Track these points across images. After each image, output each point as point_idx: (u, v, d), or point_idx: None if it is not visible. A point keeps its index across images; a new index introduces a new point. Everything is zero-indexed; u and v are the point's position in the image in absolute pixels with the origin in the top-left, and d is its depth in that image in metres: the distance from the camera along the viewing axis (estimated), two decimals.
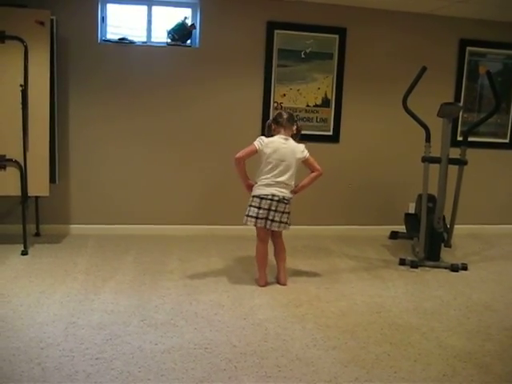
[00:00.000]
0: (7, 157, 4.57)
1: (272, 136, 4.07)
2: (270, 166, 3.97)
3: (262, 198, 3.94)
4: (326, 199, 5.83)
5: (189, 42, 5.45)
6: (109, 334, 3.16)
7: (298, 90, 5.58)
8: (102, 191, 5.39)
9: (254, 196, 4.00)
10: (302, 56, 5.55)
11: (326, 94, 5.64)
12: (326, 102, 5.66)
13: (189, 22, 5.43)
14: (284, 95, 5.56)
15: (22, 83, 4.53)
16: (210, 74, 5.43)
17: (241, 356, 2.94)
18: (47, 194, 4.76)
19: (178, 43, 5.37)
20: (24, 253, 4.64)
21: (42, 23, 4.59)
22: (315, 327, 3.37)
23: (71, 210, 5.38)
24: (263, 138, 4.05)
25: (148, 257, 4.74)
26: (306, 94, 5.60)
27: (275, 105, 5.55)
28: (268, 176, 3.97)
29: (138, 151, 5.43)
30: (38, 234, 5.25)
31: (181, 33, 5.37)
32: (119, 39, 5.30)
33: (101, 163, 5.37)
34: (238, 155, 3.99)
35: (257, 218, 3.95)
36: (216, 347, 3.04)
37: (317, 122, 5.67)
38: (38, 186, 4.66)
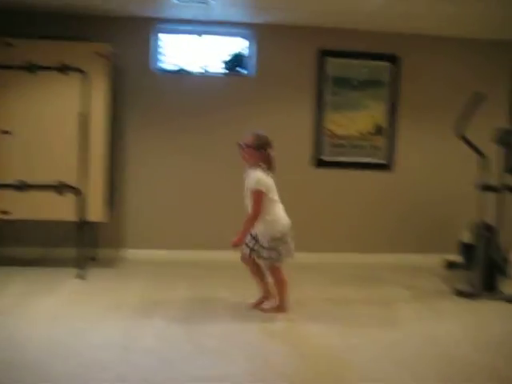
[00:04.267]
0: (66, 183, 4.73)
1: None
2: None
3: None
4: (376, 226, 5.75)
5: (244, 71, 5.54)
6: (161, 358, 3.19)
7: (351, 118, 5.57)
8: (156, 217, 5.50)
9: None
10: (355, 84, 5.55)
11: (378, 122, 5.61)
12: (378, 130, 5.62)
13: (244, 51, 5.53)
14: (336, 123, 5.56)
15: (82, 112, 4.71)
16: (265, 102, 5.51)
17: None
18: (104, 220, 4.89)
19: (234, 73, 5.47)
20: (80, 276, 4.76)
21: (102, 55, 4.77)
22: (367, 358, 3.30)
23: (127, 235, 5.50)
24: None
25: (201, 283, 4.77)
26: (359, 122, 5.59)
27: (328, 133, 5.56)
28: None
29: (192, 178, 5.52)
30: (93, 259, 5.38)
31: (236, 62, 5.48)
32: (176, 70, 5.44)
33: (156, 190, 5.49)
34: (259, 210, 3.82)
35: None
36: (267, 377, 3.01)
37: (369, 149, 5.63)
38: (95, 211, 4.80)
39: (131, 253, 5.48)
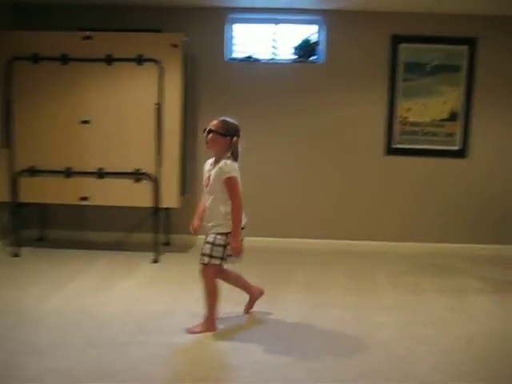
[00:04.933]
0: (142, 170, 4.90)
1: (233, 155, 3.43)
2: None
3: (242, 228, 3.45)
4: (451, 215, 5.61)
5: (313, 58, 5.53)
6: (234, 343, 3.28)
7: (424, 104, 5.45)
8: None
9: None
10: (428, 69, 5.41)
11: (453, 108, 5.46)
12: (452, 116, 5.47)
13: (314, 38, 5.51)
14: (409, 110, 5.45)
15: (157, 102, 4.85)
16: (334, 89, 5.48)
17: (360, 375, 2.92)
18: (177, 206, 5.03)
19: (303, 60, 5.47)
20: (155, 260, 4.94)
21: (175, 46, 4.88)
22: (441, 351, 3.26)
23: None
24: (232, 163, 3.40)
25: (274, 269, 4.85)
26: (432, 108, 5.46)
27: (400, 119, 5.47)
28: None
29: (261, 165, 5.58)
30: (167, 244, 5.56)
31: (306, 49, 5.47)
32: (246, 57, 5.50)
33: None
34: (240, 198, 3.37)
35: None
36: (339, 365, 3.04)
37: (443, 136, 5.49)
38: (170, 198, 4.95)
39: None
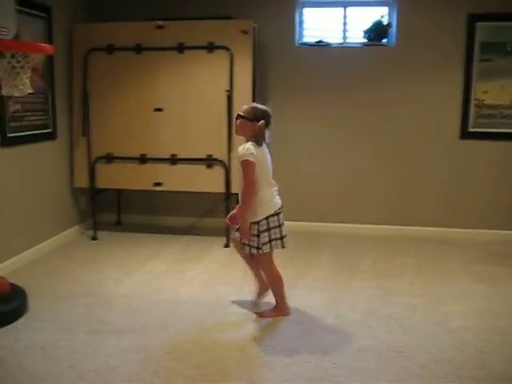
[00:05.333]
0: (213, 156, 4.98)
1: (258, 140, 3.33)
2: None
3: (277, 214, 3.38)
4: None
5: (385, 40, 5.41)
6: (304, 328, 3.31)
7: (502, 86, 5.21)
8: (295, 188, 5.59)
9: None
10: (508, 48, 5.17)
11: None
12: None
13: (385, 20, 5.39)
14: (486, 92, 5.24)
15: (228, 88, 4.90)
16: (406, 72, 5.33)
17: (435, 363, 2.88)
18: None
19: (374, 43, 5.36)
20: (226, 245, 5.03)
21: (245, 32, 4.91)
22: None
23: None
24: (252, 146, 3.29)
25: (341, 255, 4.82)
26: (511, 90, 5.21)
27: (476, 102, 5.26)
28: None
29: (332, 150, 5.54)
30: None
31: (377, 32, 5.35)
32: (316, 42, 5.45)
33: (295, 161, 5.59)
34: (251, 181, 3.26)
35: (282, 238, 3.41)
36: (409, 351, 3.01)
37: None
38: None
39: None
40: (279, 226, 3.34)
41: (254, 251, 3.33)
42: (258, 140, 3.30)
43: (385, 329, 3.31)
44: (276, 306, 3.50)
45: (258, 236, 3.30)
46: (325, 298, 3.79)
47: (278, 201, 3.40)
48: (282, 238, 3.36)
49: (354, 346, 3.08)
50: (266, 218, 3.29)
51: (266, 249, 3.31)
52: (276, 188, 3.43)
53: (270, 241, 3.32)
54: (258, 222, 3.29)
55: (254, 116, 3.30)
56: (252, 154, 3.23)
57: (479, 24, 5.17)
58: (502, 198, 5.37)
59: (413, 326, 3.35)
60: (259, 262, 3.44)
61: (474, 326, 3.35)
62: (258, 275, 3.58)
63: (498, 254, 4.91)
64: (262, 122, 3.29)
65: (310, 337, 3.19)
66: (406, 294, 3.87)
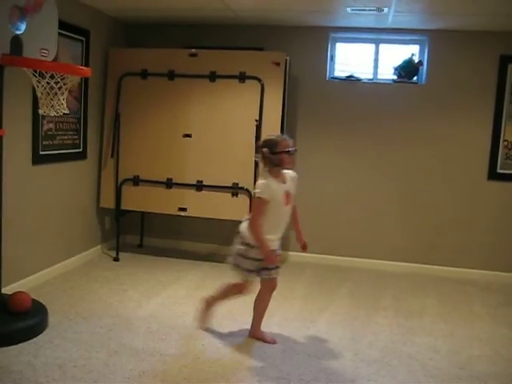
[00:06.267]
0: (239, 185, 5.01)
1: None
2: None
3: None
4: None
5: (415, 78, 5.43)
6: (323, 363, 3.26)
7: None
8: (319, 221, 5.58)
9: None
10: None
11: None
12: None
13: (416, 58, 5.42)
14: None
15: (257, 118, 4.95)
16: (436, 111, 5.33)
17: None
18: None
19: (405, 80, 5.38)
20: None
21: (277, 64, 4.98)
22: None
23: (290, 238, 5.65)
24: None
25: (362, 291, 4.77)
26: None
27: (505, 143, 5.24)
28: None
29: (357, 184, 5.53)
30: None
31: (407, 70, 5.38)
32: (347, 77, 5.50)
33: (320, 193, 5.59)
34: (255, 218, 3.33)
35: None
36: None
37: None
38: None
39: (295, 255, 5.61)
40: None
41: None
42: (271, 170, 3.34)
43: (405, 369, 3.25)
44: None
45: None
46: (344, 334, 3.74)
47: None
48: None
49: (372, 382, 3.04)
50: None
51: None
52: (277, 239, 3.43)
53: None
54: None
55: (262, 146, 3.36)
56: (265, 190, 3.26)
57: (511, 66, 5.18)
58: None
59: (434, 368, 3.29)
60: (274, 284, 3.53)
61: (500, 372, 3.27)
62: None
63: None
64: (266, 149, 3.31)
65: (327, 372, 3.15)
66: (427, 335, 3.81)
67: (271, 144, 3.33)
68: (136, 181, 5.24)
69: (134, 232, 5.87)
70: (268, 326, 3.69)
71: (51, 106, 3.25)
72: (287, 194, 3.36)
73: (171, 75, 5.17)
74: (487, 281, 5.21)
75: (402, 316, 4.16)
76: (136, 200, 5.27)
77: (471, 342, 3.72)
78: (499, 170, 5.29)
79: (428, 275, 5.31)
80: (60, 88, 3.26)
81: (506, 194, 5.30)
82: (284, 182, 3.37)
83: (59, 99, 3.25)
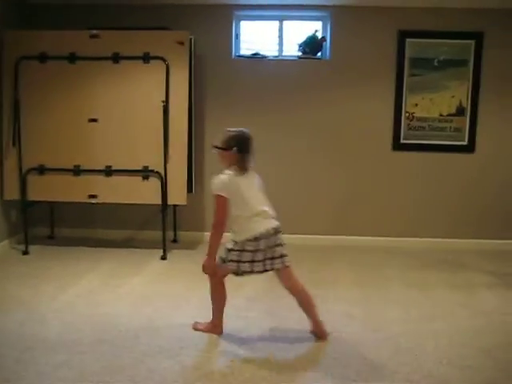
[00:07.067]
0: (149, 168, 4.93)
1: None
2: None
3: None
4: (458, 211, 5.59)
5: (319, 54, 5.53)
6: (242, 338, 3.30)
7: (431, 99, 5.43)
8: None
9: None
10: (435, 64, 5.40)
11: (460, 103, 5.44)
12: (460, 111, 5.45)
13: (319, 34, 5.51)
14: (416, 105, 5.44)
15: (164, 99, 4.87)
16: (340, 86, 5.48)
17: (371, 369, 2.94)
18: (185, 203, 5.05)
19: (309, 56, 5.47)
20: (163, 257, 4.98)
21: (182, 43, 4.90)
22: (449, 344, 3.27)
23: (206, 218, 5.66)
24: None
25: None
26: (439, 103, 5.44)
27: (407, 115, 5.46)
28: None
29: (269, 162, 5.58)
30: (175, 241, 5.59)
31: (311, 46, 5.47)
32: (252, 54, 5.51)
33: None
34: (219, 219, 3.18)
35: None
36: (345, 358, 3.06)
37: (450, 131, 5.48)
38: (177, 195, 4.97)
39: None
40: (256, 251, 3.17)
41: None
42: (240, 168, 3.16)
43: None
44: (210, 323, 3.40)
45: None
46: (262, 309, 3.80)
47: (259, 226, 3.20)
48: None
49: (292, 354, 3.10)
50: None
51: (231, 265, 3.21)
52: (263, 215, 3.23)
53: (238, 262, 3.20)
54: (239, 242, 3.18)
55: (228, 144, 3.16)
56: (225, 185, 3.11)
57: (409, 40, 5.38)
58: (436, 207, 5.58)
59: (350, 334, 3.41)
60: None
61: (409, 331, 3.44)
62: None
63: (432, 261, 5.09)
64: (235, 149, 3.14)
65: (248, 346, 3.19)
66: (342, 303, 3.93)
67: (241, 140, 3.22)
68: (41, 170, 5.02)
69: (44, 223, 5.65)
70: (186, 306, 3.67)
71: None
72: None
73: (72, 58, 4.97)
74: (396, 246, 5.45)
75: (318, 286, 4.26)
76: (43, 190, 5.06)
77: (385, 306, 3.89)
78: (403, 141, 5.51)
79: (339, 245, 5.49)
80: None
81: (410, 163, 5.55)
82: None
83: None
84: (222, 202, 3.11)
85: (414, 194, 5.58)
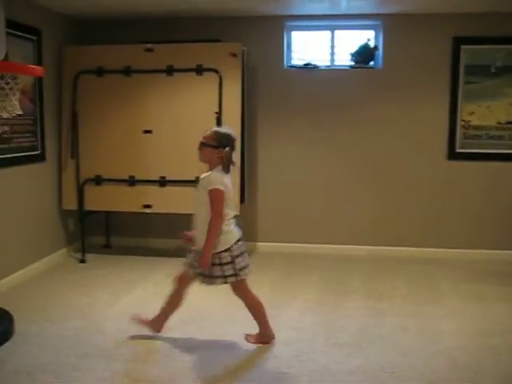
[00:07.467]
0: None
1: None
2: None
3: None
4: None
5: (372, 63, 5.48)
6: (296, 350, 3.27)
7: (488, 107, 5.28)
8: (287, 211, 5.61)
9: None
10: (492, 71, 5.26)
11: None
12: None
13: (371, 43, 5.46)
14: (472, 113, 5.31)
15: (217, 110, 4.92)
16: (393, 94, 5.40)
17: None
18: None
19: (361, 65, 5.43)
20: None
21: (234, 55, 4.95)
22: (511, 361, 3.15)
23: (258, 229, 5.67)
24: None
25: (331, 276, 4.81)
26: (497, 111, 5.28)
27: (462, 123, 5.33)
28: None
29: (321, 172, 5.56)
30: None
31: (364, 55, 5.42)
32: (304, 65, 5.51)
33: (286, 183, 5.60)
34: (219, 212, 3.15)
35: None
36: (402, 372, 2.99)
37: (509, 139, 5.31)
38: None
39: (263, 245, 5.64)
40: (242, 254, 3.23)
41: (224, 281, 3.20)
42: (226, 167, 3.18)
43: (377, 349, 3.28)
44: (260, 334, 3.38)
45: (233, 263, 3.17)
46: (315, 320, 3.76)
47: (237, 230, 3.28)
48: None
49: (345, 367, 3.06)
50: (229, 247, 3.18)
51: (242, 274, 3.22)
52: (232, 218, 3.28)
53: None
54: (228, 249, 3.18)
55: (219, 142, 3.14)
56: (221, 182, 3.12)
57: (464, 47, 5.26)
58: (493, 217, 5.40)
59: (405, 347, 3.33)
60: (238, 289, 3.30)
61: (466, 346, 3.34)
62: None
63: (489, 272, 4.92)
64: (228, 149, 3.14)
65: (301, 358, 3.16)
66: (396, 315, 3.86)
67: (229, 140, 3.20)
68: (98, 180, 5.16)
69: (100, 232, 5.79)
70: (238, 316, 3.68)
71: (3, 108, 3.16)
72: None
73: (128, 71, 5.10)
74: (451, 258, 5.31)
75: (372, 298, 4.21)
76: (99, 200, 5.19)
77: (440, 319, 3.79)
78: (458, 150, 5.38)
79: (393, 257, 5.38)
80: (11, 89, 3.18)
81: (466, 172, 5.41)
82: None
83: (11, 100, 3.17)
84: (220, 195, 3.13)
85: (470, 204, 5.42)
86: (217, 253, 3.16)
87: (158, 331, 3.43)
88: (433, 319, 3.79)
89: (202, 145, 3.18)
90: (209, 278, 3.19)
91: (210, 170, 3.19)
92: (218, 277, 3.17)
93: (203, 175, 3.22)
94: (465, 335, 3.52)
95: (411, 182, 5.48)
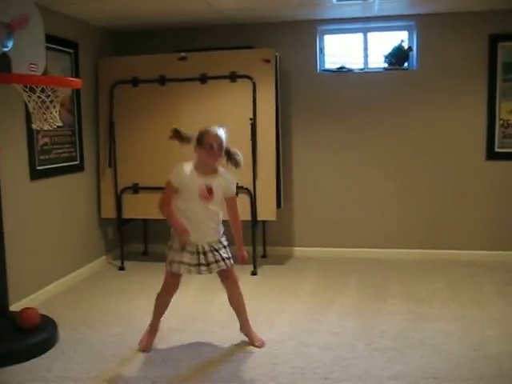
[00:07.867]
0: (239, 184, 4.98)
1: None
2: None
3: None
4: None
5: (406, 64, 5.42)
6: (336, 355, 3.26)
7: None
8: (323, 215, 5.58)
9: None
10: None
11: None
12: None
13: (405, 44, 5.41)
14: (511, 111, 5.20)
15: (252, 117, 4.94)
16: (429, 95, 5.32)
17: None
18: (274, 219, 5.08)
19: (396, 67, 5.37)
20: (254, 273, 5.02)
21: (267, 61, 4.96)
22: None
23: (295, 233, 5.67)
24: None
25: (371, 280, 4.76)
26: None
27: (501, 122, 5.22)
28: None
29: (357, 176, 5.53)
30: (264, 256, 5.62)
31: (398, 56, 5.36)
32: (338, 68, 5.49)
33: (322, 188, 5.58)
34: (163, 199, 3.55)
35: None
36: (445, 377, 2.94)
37: None
38: (267, 211, 5.01)
39: (300, 250, 5.63)
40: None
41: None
42: (201, 164, 3.44)
43: (418, 355, 3.24)
44: (249, 334, 3.48)
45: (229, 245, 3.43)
46: (356, 325, 3.74)
47: None
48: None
49: (386, 372, 3.02)
50: None
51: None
52: None
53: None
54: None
55: (197, 140, 3.49)
56: (178, 174, 3.45)
57: (501, 44, 5.17)
58: None
59: (447, 352, 3.28)
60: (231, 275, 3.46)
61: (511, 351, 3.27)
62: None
63: None
64: (199, 146, 3.41)
65: (341, 364, 3.14)
66: (438, 320, 3.80)
67: (199, 135, 3.40)
68: (136, 188, 5.23)
69: (138, 240, 5.87)
70: (278, 322, 3.69)
71: (44, 120, 3.24)
72: (208, 190, 3.30)
73: (162, 80, 5.16)
74: (493, 261, 5.20)
75: (412, 303, 4.15)
76: (137, 208, 5.27)
77: (482, 324, 3.71)
78: (497, 150, 5.28)
79: (433, 260, 5.30)
80: (51, 101, 3.25)
81: (505, 172, 5.29)
82: (205, 175, 3.33)
83: (51, 112, 3.24)
84: (167, 185, 3.49)
85: (509, 205, 5.31)
86: (221, 236, 3.40)
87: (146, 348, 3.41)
88: (476, 323, 3.72)
89: (211, 147, 3.39)
90: (217, 262, 3.32)
91: (211, 168, 3.39)
92: (228, 258, 3.36)
93: (191, 170, 3.42)
94: (510, 340, 3.44)
95: (449, 184, 5.40)
